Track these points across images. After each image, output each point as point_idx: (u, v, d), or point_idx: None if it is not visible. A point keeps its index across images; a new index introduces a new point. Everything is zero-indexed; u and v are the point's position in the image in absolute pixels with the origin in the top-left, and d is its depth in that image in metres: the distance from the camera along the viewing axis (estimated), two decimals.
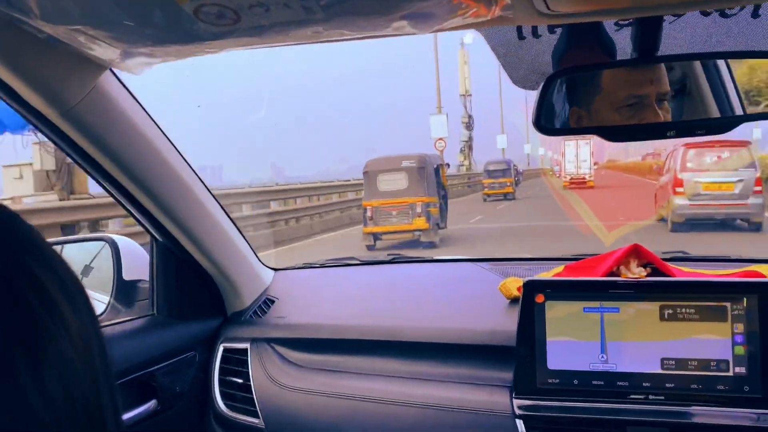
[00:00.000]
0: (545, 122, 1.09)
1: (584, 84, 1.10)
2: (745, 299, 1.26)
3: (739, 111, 1.09)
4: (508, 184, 25.78)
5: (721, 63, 1.09)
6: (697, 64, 1.11)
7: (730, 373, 1.25)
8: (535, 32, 1.13)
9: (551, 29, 1.12)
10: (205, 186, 1.56)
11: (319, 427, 1.52)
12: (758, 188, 11.68)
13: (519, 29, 1.12)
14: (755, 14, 1.05)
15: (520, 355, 1.36)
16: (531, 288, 1.37)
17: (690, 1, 0.89)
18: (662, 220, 13.15)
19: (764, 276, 1.41)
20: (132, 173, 1.36)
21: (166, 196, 1.45)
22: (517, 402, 1.34)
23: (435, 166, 13.25)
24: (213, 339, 1.74)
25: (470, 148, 39.96)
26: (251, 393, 1.62)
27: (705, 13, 1.03)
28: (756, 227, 11.70)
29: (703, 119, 1.13)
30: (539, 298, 1.36)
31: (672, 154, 13.13)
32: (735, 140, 12.54)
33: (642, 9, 0.89)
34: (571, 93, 1.11)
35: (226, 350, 1.71)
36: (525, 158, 68.61)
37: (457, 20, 0.91)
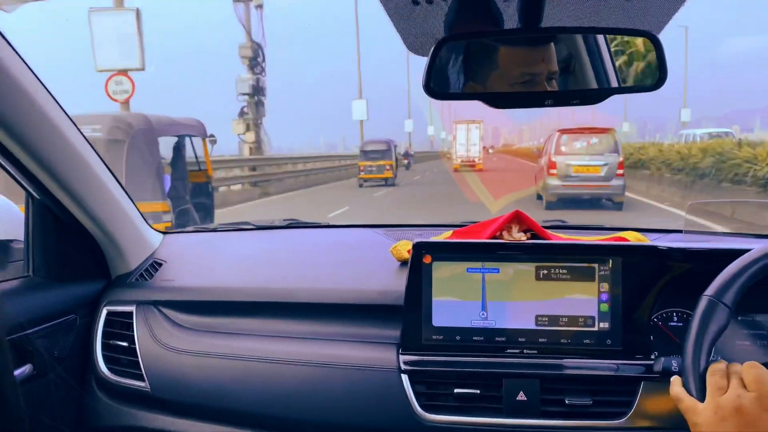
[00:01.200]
0: (435, 86, 1.12)
1: (481, 61, 1.15)
2: (610, 260, 1.37)
3: (614, 84, 1.17)
4: (388, 167, 22.57)
5: (600, 38, 1.16)
6: (580, 41, 1.18)
7: (596, 329, 1.36)
8: None
9: None
10: (87, 140, 1.47)
11: (207, 387, 1.51)
12: (620, 171, 12.75)
13: None
14: None
15: (407, 314, 1.42)
16: (419, 249, 1.42)
17: None
18: (539, 198, 13.99)
19: (629, 241, 1.55)
20: (2, 122, 1.24)
21: (42, 149, 1.34)
22: (403, 358, 1.40)
23: (179, 137, 7.62)
24: (95, 302, 1.66)
25: (259, 109, 19.90)
26: (136, 356, 1.57)
27: None
28: (618, 206, 12.76)
29: (578, 90, 1.21)
30: (427, 259, 1.41)
31: (549, 139, 13.97)
32: (602, 127, 13.61)
33: None
34: (468, 69, 1.16)
35: (109, 313, 1.64)
36: (407, 138, 60.96)
37: None
